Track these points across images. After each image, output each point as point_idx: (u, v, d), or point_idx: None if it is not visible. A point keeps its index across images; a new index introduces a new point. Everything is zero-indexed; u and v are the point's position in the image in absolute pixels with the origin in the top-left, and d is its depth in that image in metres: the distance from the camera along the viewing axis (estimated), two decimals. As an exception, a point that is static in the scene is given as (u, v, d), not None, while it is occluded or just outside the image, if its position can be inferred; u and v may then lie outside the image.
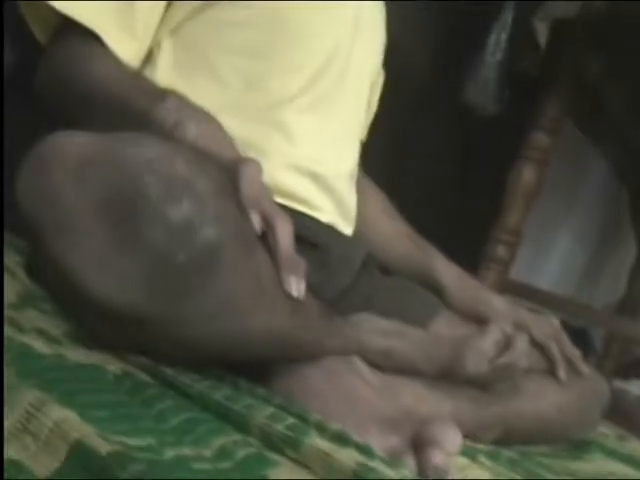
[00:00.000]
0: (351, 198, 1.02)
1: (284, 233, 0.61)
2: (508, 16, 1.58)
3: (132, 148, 0.52)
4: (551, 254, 2.57)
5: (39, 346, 0.64)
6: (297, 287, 0.62)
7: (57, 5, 0.86)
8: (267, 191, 0.63)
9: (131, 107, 0.75)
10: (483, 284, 1.69)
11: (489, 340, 0.83)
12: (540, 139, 1.69)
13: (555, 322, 1.03)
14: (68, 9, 0.86)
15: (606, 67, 1.77)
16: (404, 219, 1.16)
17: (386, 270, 1.09)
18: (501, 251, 1.72)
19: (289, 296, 0.62)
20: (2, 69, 0.91)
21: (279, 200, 0.89)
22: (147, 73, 0.93)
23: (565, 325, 2.05)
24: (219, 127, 0.70)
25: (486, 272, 1.71)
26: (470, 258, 1.73)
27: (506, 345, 0.84)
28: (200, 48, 0.93)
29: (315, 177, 0.94)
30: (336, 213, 0.98)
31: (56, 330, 0.69)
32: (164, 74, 0.93)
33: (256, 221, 0.61)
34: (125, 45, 0.89)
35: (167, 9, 0.94)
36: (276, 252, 0.61)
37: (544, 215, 2.16)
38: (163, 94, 0.74)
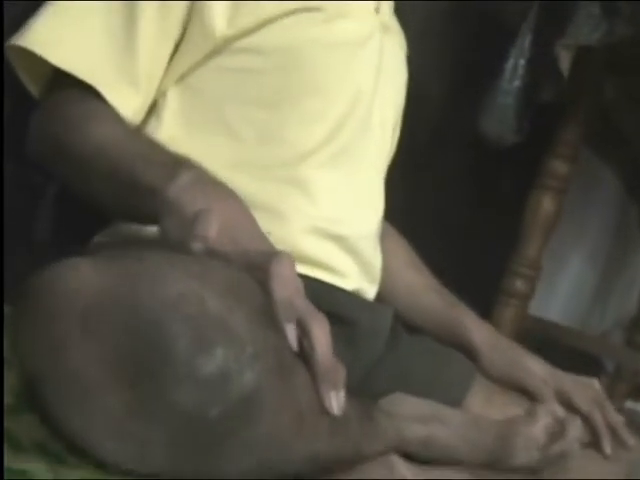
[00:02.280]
0: (376, 257, 0.94)
1: (321, 340, 0.53)
2: (525, 41, 1.50)
3: (151, 285, 0.43)
4: (562, 275, 2.50)
5: (39, 471, 0.55)
6: (337, 404, 0.53)
7: (50, 57, 0.77)
8: (301, 291, 0.55)
9: (138, 180, 0.66)
10: (501, 320, 1.63)
11: (539, 426, 0.75)
12: (559, 167, 1.61)
13: (596, 386, 0.95)
14: (63, 61, 0.77)
15: (625, 90, 1.69)
16: (425, 263, 1.08)
17: (411, 327, 1.01)
18: (520, 285, 1.63)
19: (328, 412, 0.54)
20: (2, 75, 0.82)
21: (301, 268, 0.81)
22: (151, 126, 0.85)
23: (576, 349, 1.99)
24: (242, 209, 0.62)
25: (504, 308, 1.63)
26: (486, 292, 1.65)
27: (557, 430, 0.76)
28: (210, 98, 0.85)
29: (338, 239, 0.86)
30: (360, 276, 0.89)
31: (57, 443, 0.61)
32: (170, 128, 0.84)
33: (292, 336, 0.52)
34: (127, 99, 0.80)
35: (172, 56, 0.85)
36: (313, 362, 0.53)
37: (554, 237, 2.09)
38: (175, 166, 0.65)
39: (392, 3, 1.00)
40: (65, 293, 0.44)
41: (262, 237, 0.60)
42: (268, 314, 0.50)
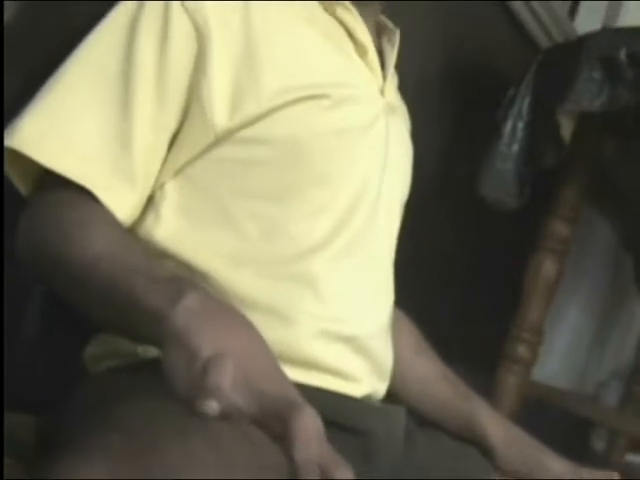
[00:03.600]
0: (387, 353, 0.89)
1: None
2: (523, 104, 1.47)
3: None
4: (559, 326, 2.47)
5: None
6: None
7: (39, 157, 0.73)
8: (324, 440, 0.50)
9: (139, 300, 0.60)
10: (505, 387, 1.58)
11: None
12: (560, 229, 1.57)
13: (616, 480, 0.91)
14: (53, 161, 0.73)
15: (624, 149, 1.67)
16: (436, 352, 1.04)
17: (423, 418, 0.97)
18: (522, 351, 1.58)
19: None
20: (2, 86, 0.79)
21: (310, 375, 0.77)
22: (149, 222, 0.80)
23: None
24: (256, 341, 0.57)
25: (507, 374, 1.58)
26: (487, 356, 1.61)
27: None
28: (210, 191, 0.80)
29: (348, 340, 0.81)
30: (372, 375, 0.84)
31: None
32: (169, 223, 0.80)
33: None
34: (123, 199, 0.76)
35: (170, 147, 0.81)
36: None
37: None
38: (179, 286, 0.60)
39: (396, 81, 0.97)
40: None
41: (279, 376, 0.55)
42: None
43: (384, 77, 0.91)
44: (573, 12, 2.01)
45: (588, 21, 1.97)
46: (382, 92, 0.90)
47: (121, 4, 0.80)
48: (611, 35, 1.32)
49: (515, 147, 1.47)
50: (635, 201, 2.09)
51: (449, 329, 1.69)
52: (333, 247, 0.81)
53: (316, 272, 0.80)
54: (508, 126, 1.48)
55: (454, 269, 1.72)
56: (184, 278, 0.63)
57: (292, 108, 0.79)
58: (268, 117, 0.79)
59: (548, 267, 1.58)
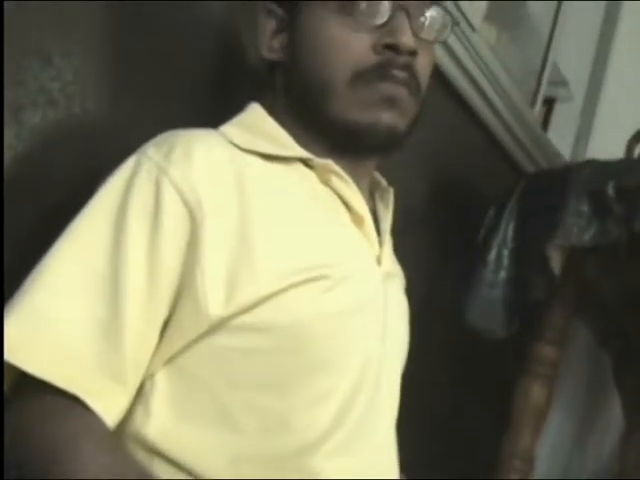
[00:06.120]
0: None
1: None
2: (508, 230, 1.45)
3: None
4: (542, 436, 2.44)
5: None
6: None
7: (24, 365, 0.67)
8: None
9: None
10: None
11: None
12: (548, 353, 1.53)
13: None
14: (39, 369, 0.67)
15: (606, 268, 1.65)
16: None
17: None
18: (515, 481, 1.53)
19: None
20: (2, 98, 0.76)
21: None
22: (139, 418, 0.74)
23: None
24: None
25: (501, 509, 1.52)
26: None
27: None
28: (204, 383, 0.75)
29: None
30: None
31: None
32: (160, 419, 0.74)
33: None
34: (114, 402, 0.71)
35: (161, 336, 0.75)
36: None
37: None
38: None
39: (391, 245, 0.93)
40: None
41: None
42: None
43: (380, 243, 0.88)
44: (546, 123, 2.03)
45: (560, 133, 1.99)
46: (379, 261, 0.86)
47: (107, 182, 0.76)
48: (598, 168, 1.31)
49: (502, 274, 1.44)
50: (614, 307, 2.08)
51: (436, 456, 1.64)
52: (336, 438, 0.76)
53: (318, 469, 0.75)
54: (493, 253, 1.45)
55: (440, 396, 1.67)
56: None
57: (291, 293, 0.75)
58: (265, 303, 0.74)
59: (537, 392, 1.54)
